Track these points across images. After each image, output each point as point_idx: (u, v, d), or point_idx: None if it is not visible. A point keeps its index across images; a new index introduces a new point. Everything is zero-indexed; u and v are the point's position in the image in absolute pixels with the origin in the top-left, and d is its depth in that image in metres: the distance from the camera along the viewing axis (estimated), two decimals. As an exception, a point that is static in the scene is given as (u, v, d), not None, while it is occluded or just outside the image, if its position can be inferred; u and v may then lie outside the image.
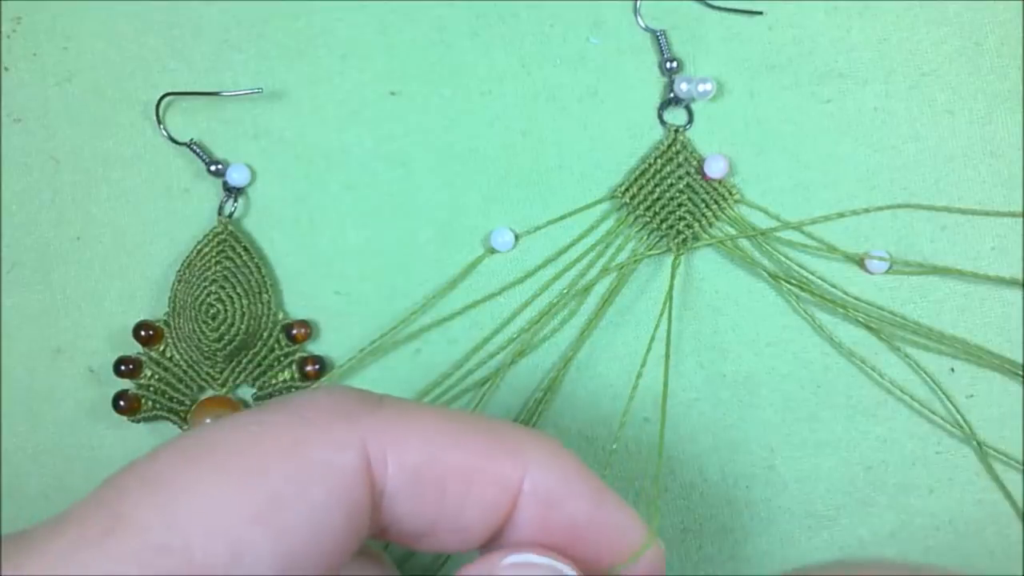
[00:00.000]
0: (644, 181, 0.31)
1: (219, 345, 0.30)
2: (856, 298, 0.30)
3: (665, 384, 0.28)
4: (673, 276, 0.30)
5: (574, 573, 0.19)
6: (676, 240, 0.30)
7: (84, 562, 0.16)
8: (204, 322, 0.30)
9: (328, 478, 0.18)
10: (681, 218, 0.30)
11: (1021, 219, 0.30)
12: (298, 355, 0.31)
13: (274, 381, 0.31)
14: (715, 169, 0.30)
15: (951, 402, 0.30)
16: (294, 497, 0.18)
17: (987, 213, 0.30)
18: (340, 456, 0.18)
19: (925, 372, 0.30)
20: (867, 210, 0.30)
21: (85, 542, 0.16)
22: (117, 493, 0.17)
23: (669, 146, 0.31)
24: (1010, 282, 0.30)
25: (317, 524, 0.18)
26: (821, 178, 0.31)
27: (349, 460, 0.18)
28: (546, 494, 0.20)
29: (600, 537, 0.20)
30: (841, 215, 0.30)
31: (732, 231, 0.31)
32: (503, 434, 0.20)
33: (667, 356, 0.29)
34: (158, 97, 0.31)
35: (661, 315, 0.29)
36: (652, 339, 0.29)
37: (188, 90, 0.31)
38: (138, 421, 0.30)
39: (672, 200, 0.31)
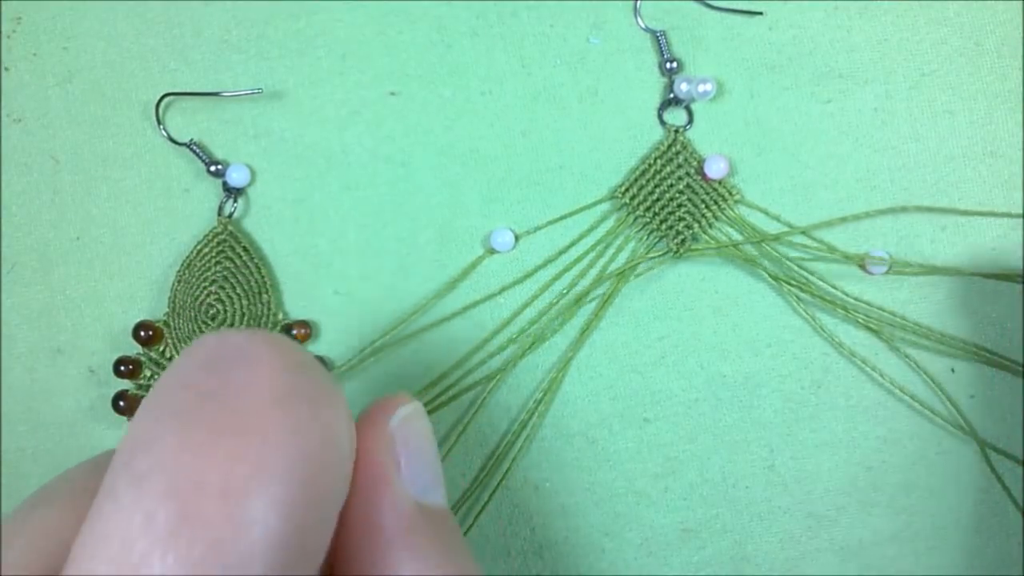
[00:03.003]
0: (644, 181, 0.31)
1: (219, 345, 0.30)
2: (856, 299, 0.30)
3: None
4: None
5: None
6: (676, 240, 0.30)
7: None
8: (204, 322, 0.30)
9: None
10: (681, 219, 0.30)
11: (1021, 219, 0.30)
12: (298, 355, 0.31)
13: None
14: (715, 169, 0.30)
15: (952, 402, 0.30)
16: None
17: (987, 213, 0.30)
18: None
19: (926, 372, 0.30)
20: (868, 214, 0.30)
21: None
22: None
23: (669, 146, 0.31)
24: (1010, 282, 0.30)
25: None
26: (821, 178, 0.31)
27: None
28: None
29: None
30: (844, 219, 0.30)
31: (732, 231, 0.31)
32: None
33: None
34: (158, 97, 0.31)
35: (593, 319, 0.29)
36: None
37: (188, 90, 0.31)
38: (138, 421, 0.30)
39: (672, 201, 0.31)
